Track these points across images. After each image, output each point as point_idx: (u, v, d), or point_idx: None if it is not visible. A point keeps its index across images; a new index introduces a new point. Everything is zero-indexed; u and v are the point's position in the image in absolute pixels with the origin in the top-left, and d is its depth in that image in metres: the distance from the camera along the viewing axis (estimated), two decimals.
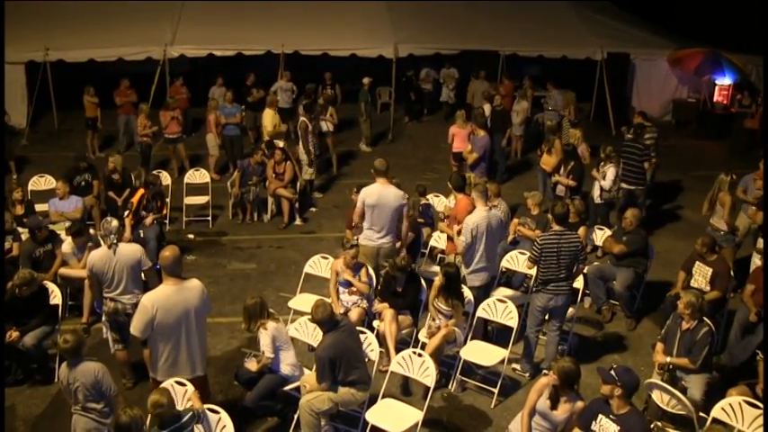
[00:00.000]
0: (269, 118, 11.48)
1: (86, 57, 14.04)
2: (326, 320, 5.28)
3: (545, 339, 6.67)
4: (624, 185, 9.47)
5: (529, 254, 6.49)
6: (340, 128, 13.31)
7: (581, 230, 7.70)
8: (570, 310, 7.11)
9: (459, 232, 6.87)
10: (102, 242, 6.02)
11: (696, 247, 6.93)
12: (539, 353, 6.66)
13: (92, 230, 7.91)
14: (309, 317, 6.22)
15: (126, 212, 8.28)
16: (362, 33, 15.14)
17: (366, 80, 13.88)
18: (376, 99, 14.78)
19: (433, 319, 6.37)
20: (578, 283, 7.12)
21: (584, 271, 7.43)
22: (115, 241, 5.96)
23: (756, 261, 7.69)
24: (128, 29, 14.65)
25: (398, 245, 7.33)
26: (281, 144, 10.74)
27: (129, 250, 6.04)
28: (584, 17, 16.65)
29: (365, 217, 7.09)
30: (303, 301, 7.11)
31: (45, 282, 6.65)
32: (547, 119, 13.15)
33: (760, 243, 7.88)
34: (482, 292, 6.79)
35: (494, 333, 6.93)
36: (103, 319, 6.22)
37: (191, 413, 4.58)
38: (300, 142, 10.59)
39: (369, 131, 14.26)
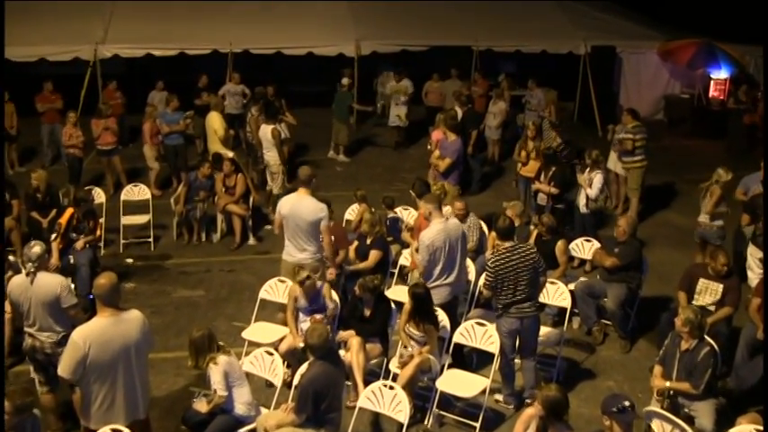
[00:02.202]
0: (218, 121, 11.32)
1: None
2: (321, 346, 5.29)
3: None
4: None
5: (483, 279, 6.44)
6: (300, 135, 13.31)
7: (559, 245, 7.73)
8: (557, 331, 7.19)
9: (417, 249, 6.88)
10: (22, 269, 5.88)
11: (716, 264, 6.73)
12: (519, 381, 6.64)
13: (11, 257, 7.72)
14: (267, 349, 6.20)
15: (53, 235, 8.12)
16: (320, 29, 15.19)
17: (345, 81, 13.88)
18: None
19: (405, 347, 6.37)
20: (565, 301, 7.19)
21: (572, 288, 7.51)
22: (33, 270, 5.78)
23: (755, 269, 7.76)
24: (51, 25, 14.44)
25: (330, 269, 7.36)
26: (230, 154, 10.67)
27: (48, 283, 5.82)
28: (565, 8, 16.90)
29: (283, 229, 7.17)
30: (259, 330, 7.06)
31: None
32: (529, 120, 13.32)
33: (753, 250, 7.96)
34: (444, 311, 6.70)
35: (472, 359, 6.94)
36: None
37: None
38: (275, 151, 10.52)
39: (346, 139, 14.02)
